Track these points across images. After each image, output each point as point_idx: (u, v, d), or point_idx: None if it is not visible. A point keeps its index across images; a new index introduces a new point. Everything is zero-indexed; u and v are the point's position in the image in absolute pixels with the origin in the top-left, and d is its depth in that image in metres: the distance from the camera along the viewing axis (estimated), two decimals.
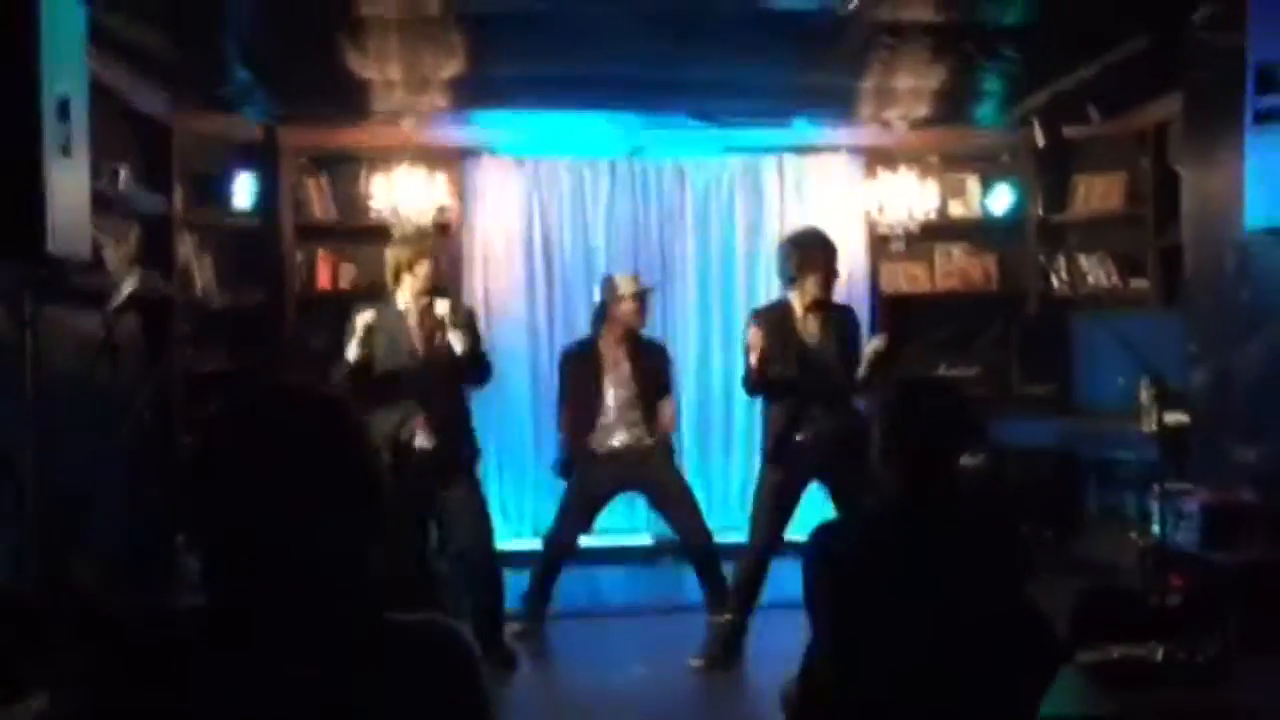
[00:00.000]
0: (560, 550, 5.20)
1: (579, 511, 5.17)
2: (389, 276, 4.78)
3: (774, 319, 4.75)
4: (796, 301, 4.75)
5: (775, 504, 4.73)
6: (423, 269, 4.68)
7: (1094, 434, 5.78)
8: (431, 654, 1.42)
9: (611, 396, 5.14)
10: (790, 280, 4.76)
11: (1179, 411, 4.84)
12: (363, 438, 1.48)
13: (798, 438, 4.71)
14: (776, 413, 4.76)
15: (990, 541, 2.58)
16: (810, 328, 4.74)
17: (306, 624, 1.38)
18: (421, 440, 4.57)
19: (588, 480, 5.14)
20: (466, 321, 4.79)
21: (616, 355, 5.17)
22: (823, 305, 4.76)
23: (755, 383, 4.73)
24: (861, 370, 4.75)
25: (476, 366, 4.79)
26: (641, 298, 5.22)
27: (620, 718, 4.14)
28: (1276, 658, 3.26)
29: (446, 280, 4.98)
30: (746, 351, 4.76)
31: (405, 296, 4.70)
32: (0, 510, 3.58)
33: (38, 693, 2.87)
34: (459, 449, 4.71)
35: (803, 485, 4.80)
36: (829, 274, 4.75)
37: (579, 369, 5.24)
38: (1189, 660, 3.23)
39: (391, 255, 4.81)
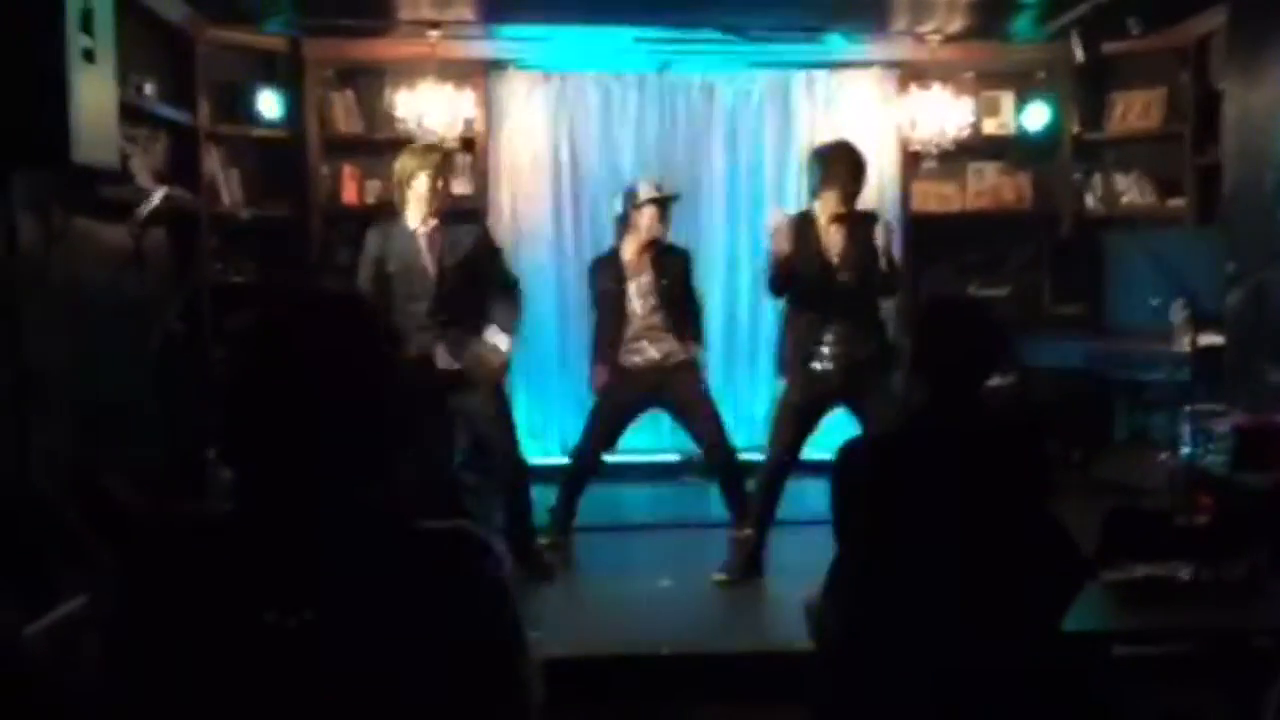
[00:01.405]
0: (587, 464, 5.22)
1: (605, 425, 5.18)
2: (395, 191, 4.69)
3: (798, 226, 4.68)
4: (820, 213, 4.68)
5: (794, 422, 4.71)
6: (421, 184, 4.54)
7: (1125, 355, 5.73)
8: (459, 561, 1.43)
9: (637, 307, 5.10)
10: (814, 192, 4.70)
11: (1212, 332, 4.79)
12: (391, 345, 1.48)
13: (817, 365, 4.65)
14: (798, 328, 4.71)
15: (1016, 458, 2.57)
16: (834, 241, 4.66)
17: (335, 530, 1.39)
18: (442, 361, 4.56)
19: (614, 394, 5.13)
20: (487, 254, 4.74)
21: (639, 265, 5.11)
22: (845, 219, 4.65)
23: (774, 277, 4.65)
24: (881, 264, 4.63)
25: (506, 297, 4.76)
26: (662, 204, 5.07)
27: (645, 629, 4.18)
28: None
29: (453, 202, 4.81)
30: (770, 243, 4.68)
31: (414, 215, 4.59)
32: (32, 420, 3.61)
33: (71, 595, 2.92)
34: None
35: (824, 409, 4.78)
36: (851, 188, 4.64)
37: (604, 280, 5.18)
38: (1215, 580, 3.23)
39: (396, 167, 4.70)
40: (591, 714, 3.50)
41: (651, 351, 5.06)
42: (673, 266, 5.14)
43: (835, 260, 4.63)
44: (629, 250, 5.11)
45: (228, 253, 6.15)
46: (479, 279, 4.67)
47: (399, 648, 1.35)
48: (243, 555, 1.38)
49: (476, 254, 4.68)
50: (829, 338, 4.64)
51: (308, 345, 1.42)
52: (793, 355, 4.73)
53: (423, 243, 4.60)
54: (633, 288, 5.06)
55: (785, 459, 4.74)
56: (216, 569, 1.37)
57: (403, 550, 1.41)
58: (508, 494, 4.79)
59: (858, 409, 4.72)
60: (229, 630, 1.34)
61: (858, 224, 4.67)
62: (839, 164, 4.64)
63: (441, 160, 4.68)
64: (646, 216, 5.05)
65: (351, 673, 1.34)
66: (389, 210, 4.95)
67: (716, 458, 5.08)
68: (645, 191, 5.10)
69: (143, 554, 1.42)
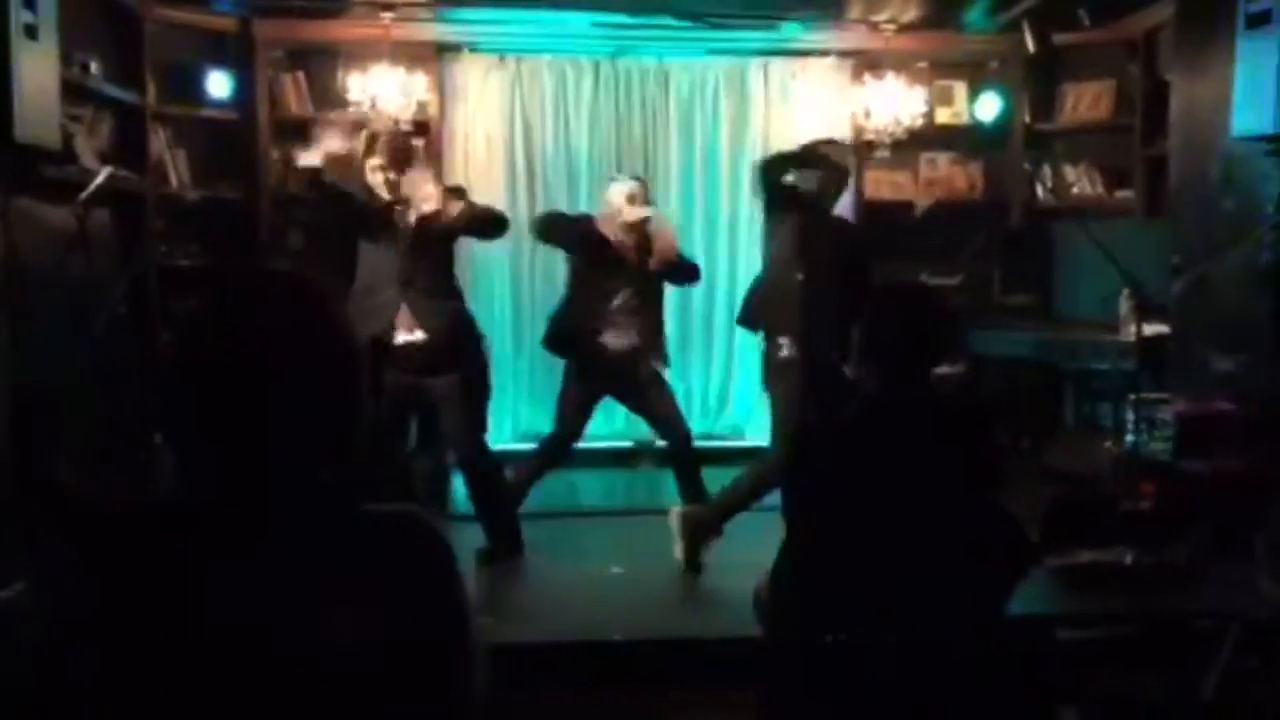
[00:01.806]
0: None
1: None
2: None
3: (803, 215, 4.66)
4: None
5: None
6: (376, 163, 4.59)
7: (1074, 344, 5.80)
8: (404, 545, 1.41)
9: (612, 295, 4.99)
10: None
11: (1159, 322, 4.86)
12: (340, 327, 1.46)
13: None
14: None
15: (964, 445, 2.59)
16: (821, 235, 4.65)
17: (281, 515, 1.37)
18: (403, 334, 4.52)
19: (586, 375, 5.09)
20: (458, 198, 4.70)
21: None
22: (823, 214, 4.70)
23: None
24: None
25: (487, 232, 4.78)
26: (637, 229, 4.96)
27: (597, 615, 4.19)
28: (1245, 564, 3.30)
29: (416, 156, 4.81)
30: None
31: (373, 175, 4.60)
32: None
33: (11, 583, 2.88)
34: (449, 340, 4.65)
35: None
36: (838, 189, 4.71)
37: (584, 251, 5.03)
38: (1158, 565, 3.28)
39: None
40: (544, 699, 3.50)
41: (622, 338, 5.02)
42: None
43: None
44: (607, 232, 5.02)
45: (175, 235, 6.07)
46: (446, 232, 4.62)
47: (344, 633, 1.34)
48: (188, 541, 1.36)
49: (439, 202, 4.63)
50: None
51: (255, 328, 1.40)
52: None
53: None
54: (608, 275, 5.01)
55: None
56: (161, 556, 1.35)
57: (350, 534, 1.40)
58: (475, 489, 4.76)
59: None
60: (173, 618, 1.32)
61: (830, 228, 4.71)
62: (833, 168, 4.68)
63: (389, 151, 4.66)
64: (621, 237, 4.96)
65: (297, 658, 1.32)
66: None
67: (674, 445, 5.08)
68: (616, 197, 5.00)
69: (86, 540, 1.40)
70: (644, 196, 5.05)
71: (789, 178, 4.66)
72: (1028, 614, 2.64)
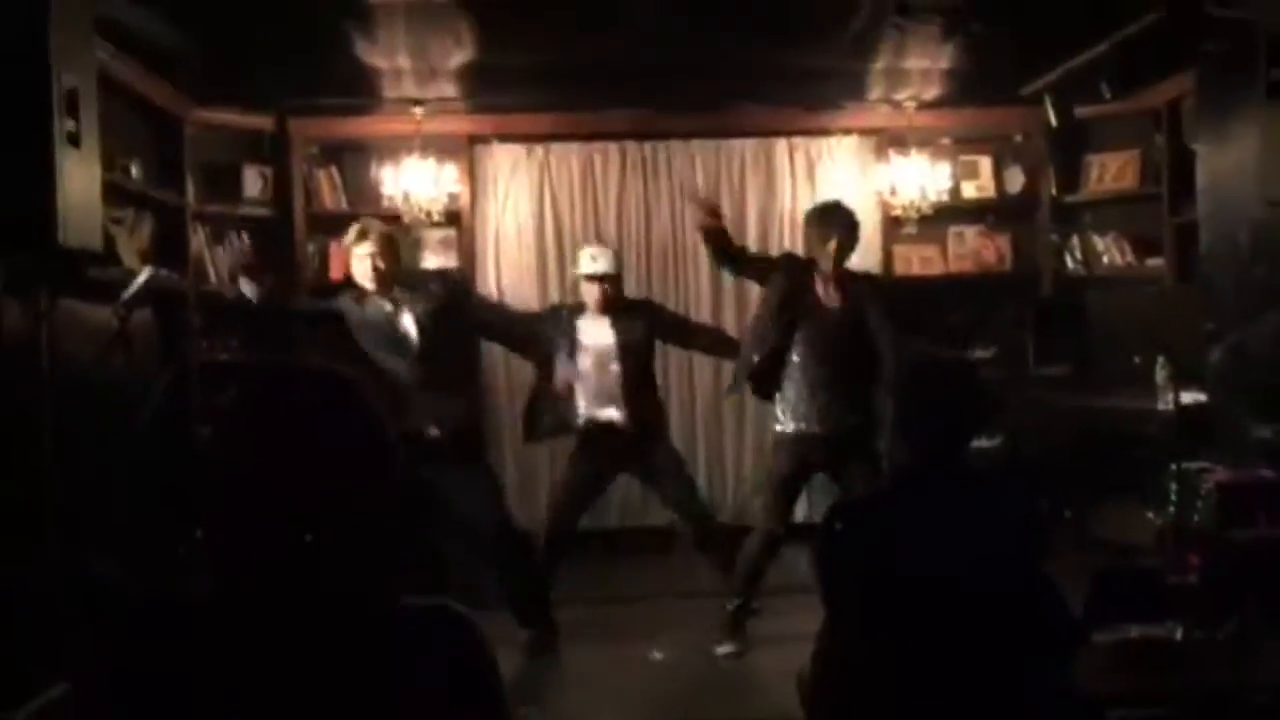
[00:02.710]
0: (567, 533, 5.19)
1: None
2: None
3: (794, 273, 4.71)
4: (818, 275, 4.71)
5: (784, 492, 4.70)
6: (364, 251, 4.59)
7: (1111, 413, 5.74)
8: (441, 639, 1.42)
9: (590, 370, 5.01)
10: (809, 250, 4.76)
11: (1195, 390, 4.81)
12: (375, 419, 1.48)
13: (805, 426, 4.64)
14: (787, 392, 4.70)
15: (1004, 520, 2.57)
16: (830, 299, 4.70)
17: (318, 609, 1.38)
18: (432, 430, 4.56)
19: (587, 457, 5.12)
20: (462, 299, 4.81)
21: (597, 325, 5.04)
22: (839, 278, 4.70)
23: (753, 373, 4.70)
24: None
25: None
26: (599, 280, 5.03)
27: (636, 703, 4.14)
28: None
29: (400, 273, 4.80)
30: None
31: (369, 289, 4.65)
32: (19, 503, 3.59)
33: (49, 688, 2.88)
34: (465, 432, 4.68)
35: (808, 477, 4.79)
36: (843, 246, 4.69)
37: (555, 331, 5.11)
38: (1208, 639, 3.22)
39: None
40: None
41: (613, 413, 5.01)
42: (636, 326, 5.08)
43: (828, 322, 4.64)
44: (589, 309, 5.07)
45: (214, 331, 6.15)
46: (456, 332, 4.70)
47: None
48: (226, 636, 1.36)
49: (449, 301, 4.72)
50: (817, 407, 4.63)
51: (286, 419, 1.42)
52: (783, 415, 4.72)
53: (390, 312, 4.63)
54: (585, 351, 5.04)
55: (779, 530, 4.70)
56: (199, 651, 1.36)
57: (384, 631, 1.40)
58: (503, 567, 4.74)
59: (841, 484, 4.72)
60: (211, 713, 1.32)
61: (853, 284, 4.74)
62: (831, 223, 4.70)
63: (380, 240, 4.66)
64: (587, 290, 5.06)
65: None
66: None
67: (693, 523, 5.07)
68: (585, 263, 5.10)
69: (125, 637, 1.41)
70: (607, 260, 5.13)
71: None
72: (1076, 692, 2.59)
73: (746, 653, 4.66)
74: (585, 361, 5.01)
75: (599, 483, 5.18)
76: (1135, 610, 3.38)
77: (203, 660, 1.35)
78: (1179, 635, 3.24)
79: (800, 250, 4.99)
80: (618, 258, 5.28)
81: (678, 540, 6.30)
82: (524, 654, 4.60)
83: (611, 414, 4.99)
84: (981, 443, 5.51)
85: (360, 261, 4.63)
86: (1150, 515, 4.70)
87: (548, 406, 5.06)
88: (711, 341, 5.55)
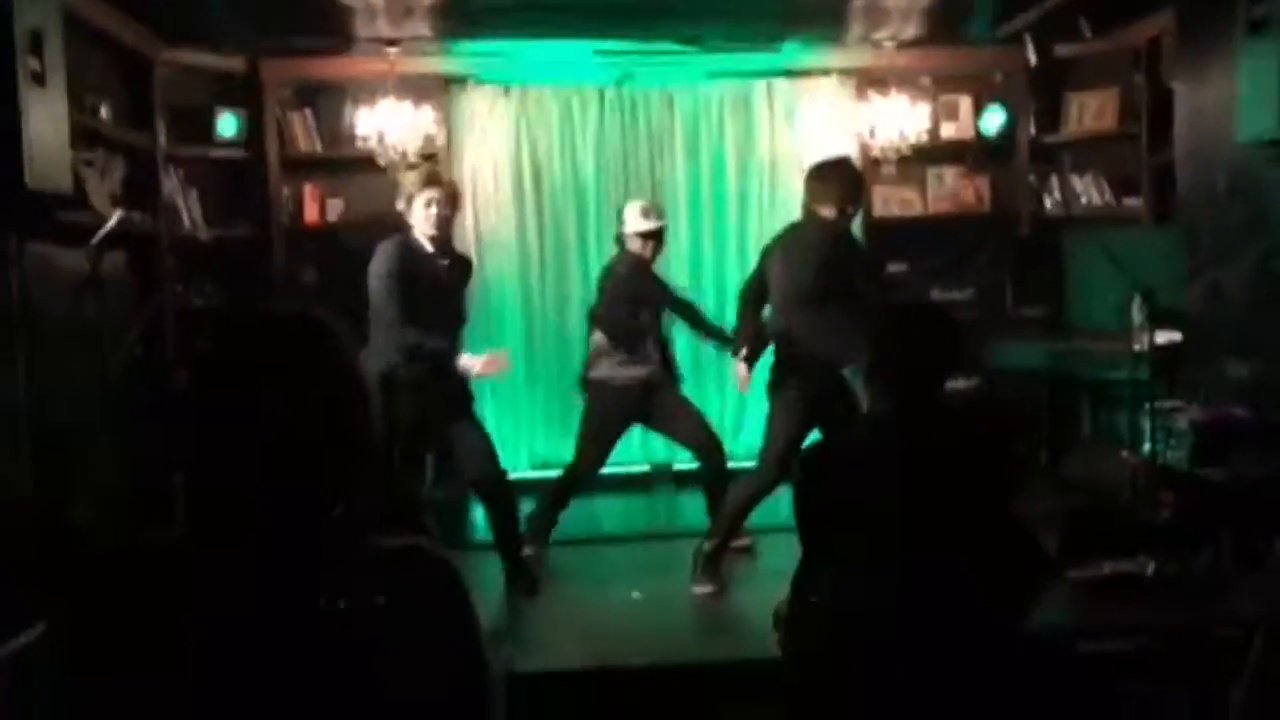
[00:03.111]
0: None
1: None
2: (401, 203, 4.53)
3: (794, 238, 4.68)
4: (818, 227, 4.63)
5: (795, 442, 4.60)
6: (432, 196, 4.42)
7: (1088, 354, 5.78)
8: (417, 579, 1.42)
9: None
10: (809, 209, 4.67)
11: (1171, 329, 4.84)
12: (348, 361, 1.48)
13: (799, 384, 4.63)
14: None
15: (978, 459, 2.59)
16: (831, 257, 4.61)
17: (294, 551, 1.38)
18: (468, 364, 4.48)
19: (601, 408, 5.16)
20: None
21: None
22: (840, 234, 4.65)
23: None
24: None
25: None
26: (649, 237, 5.16)
27: (619, 641, 4.18)
28: (1267, 570, 3.29)
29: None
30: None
31: (422, 232, 4.47)
32: None
33: (32, 626, 2.89)
34: (461, 384, 4.68)
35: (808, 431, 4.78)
36: (847, 204, 4.64)
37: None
38: (1180, 575, 3.27)
39: (403, 180, 4.62)
40: None
41: (638, 368, 5.09)
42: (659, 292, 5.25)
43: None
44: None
45: (189, 275, 6.11)
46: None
47: (358, 667, 1.34)
48: (201, 577, 1.37)
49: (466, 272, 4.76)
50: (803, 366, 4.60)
51: (263, 363, 1.42)
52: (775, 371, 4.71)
53: (441, 268, 4.54)
54: None
55: (779, 480, 4.67)
56: (175, 592, 1.36)
57: (362, 568, 1.40)
58: (493, 513, 4.76)
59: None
60: (187, 654, 1.33)
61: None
62: (845, 179, 4.65)
63: (450, 186, 4.59)
64: (634, 246, 5.14)
65: (309, 692, 1.33)
66: (363, 227, 4.95)
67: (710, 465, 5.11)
68: (631, 222, 5.12)
69: (101, 582, 1.41)
70: (657, 212, 5.26)
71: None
72: (1049, 627, 2.63)
73: (723, 592, 4.70)
74: (644, 315, 5.14)
75: (625, 429, 5.27)
76: (1108, 547, 3.43)
77: (179, 602, 1.35)
78: (1151, 571, 3.28)
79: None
80: (662, 208, 5.38)
81: (659, 481, 6.38)
82: (506, 592, 4.64)
83: (648, 365, 5.13)
84: (958, 384, 5.54)
85: (425, 208, 4.42)
86: (1125, 454, 4.75)
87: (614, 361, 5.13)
88: (703, 326, 5.50)
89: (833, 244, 4.57)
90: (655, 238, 5.18)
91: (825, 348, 4.47)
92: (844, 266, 4.57)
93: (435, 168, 4.82)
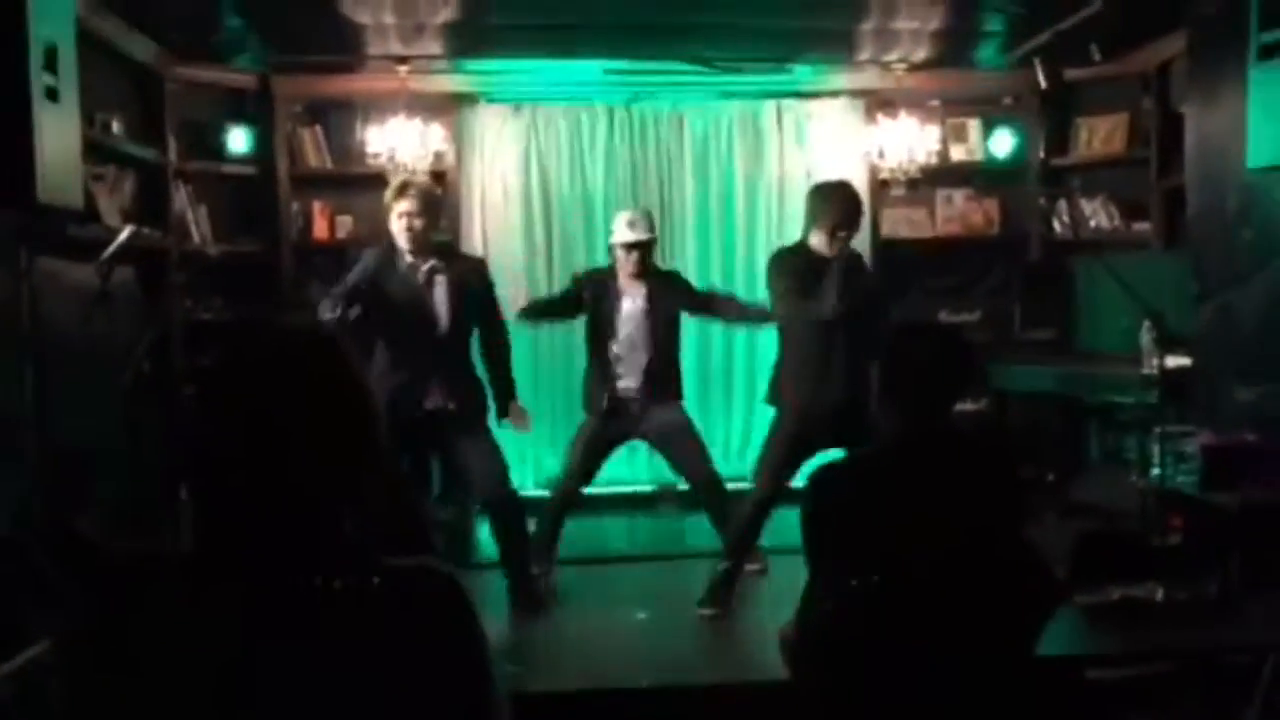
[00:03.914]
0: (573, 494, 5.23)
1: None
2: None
3: (798, 261, 4.61)
4: (822, 249, 4.57)
5: (787, 456, 4.65)
6: (403, 209, 4.45)
7: (1096, 378, 5.76)
8: (423, 596, 1.42)
9: (622, 335, 5.06)
10: (807, 229, 4.64)
11: (1180, 354, 4.82)
12: (358, 379, 1.48)
13: (815, 399, 4.59)
14: (792, 358, 4.65)
15: (986, 482, 2.57)
16: (836, 278, 4.55)
17: (301, 567, 1.38)
18: (435, 401, 4.54)
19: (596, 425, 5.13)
20: (482, 291, 4.73)
21: (630, 290, 5.08)
22: (845, 256, 4.55)
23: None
24: None
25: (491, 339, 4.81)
26: (633, 248, 5.04)
27: (624, 662, 4.16)
28: (1277, 596, 3.26)
29: (444, 236, 4.75)
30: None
31: (400, 244, 4.53)
32: (1, 463, 3.57)
33: (39, 641, 2.88)
34: (470, 401, 4.68)
35: (818, 446, 4.74)
36: (849, 227, 4.56)
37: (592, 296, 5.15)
38: (1189, 600, 3.24)
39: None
40: None
41: (633, 381, 5.05)
42: (668, 295, 5.13)
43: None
44: (620, 274, 5.10)
45: (197, 290, 6.12)
46: (475, 319, 4.71)
47: (365, 685, 1.34)
48: (207, 592, 1.36)
49: (480, 295, 4.71)
50: (828, 378, 4.55)
51: (270, 380, 1.42)
52: (785, 385, 4.68)
53: (422, 281, 4.54)
54: (619, 315, 5.07)
55: (770, 497, 4.67)
56: (181, 607, 1.36)
57: (368, 587, 1.40)
58: (500, 531, 4.75)
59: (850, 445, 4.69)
60: (192, 668, 1.32)
61: (849, 262, 4.60)
62: (840, 202, 4.62)
63: (421, 197, 4.55)
64: (619, 257, 5.08)
65: (315, 709, 1.32)
66: (370, 243, 4.95)
67: (704, 488, 5.08)
68: (619, 232, 5.09)
69: (110, 595, 1.41)
70: (645, 225, 5.13)
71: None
72: (1057, 654, 2.61)
73: (729, 613, 4.68)
74: (623, 330, 5.06)
75: (612, 448, 5.22)
76: (1118, 572, 3.41)
77: (185, 620, 1.34)
78: (1160, 596, 3.26)
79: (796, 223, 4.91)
80: (653, 220, 5.26)
81: (664, 501, 6.36)
82: (512, 612, 4.62)
83: (637, 382, 5.05)
84: (966, 406, 5.53)
85: (398, 219, 4.50)
86: (1134, 479, 4.73)
87: (603, 377, 5.09)
88: (739, 310, 5.46)
89: (838, 268, 4.55)
90: (641, 249, 5.06)
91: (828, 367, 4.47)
92: (849, 290, 4.55)
93: (410, 178, 4.80)
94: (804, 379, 4.61)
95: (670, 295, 5.16)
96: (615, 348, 5.08)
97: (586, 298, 5.14)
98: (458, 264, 4.70)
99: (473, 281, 4.68)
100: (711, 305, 5.34)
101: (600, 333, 5.11)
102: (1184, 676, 3.23)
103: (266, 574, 1.37)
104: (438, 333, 4.56)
